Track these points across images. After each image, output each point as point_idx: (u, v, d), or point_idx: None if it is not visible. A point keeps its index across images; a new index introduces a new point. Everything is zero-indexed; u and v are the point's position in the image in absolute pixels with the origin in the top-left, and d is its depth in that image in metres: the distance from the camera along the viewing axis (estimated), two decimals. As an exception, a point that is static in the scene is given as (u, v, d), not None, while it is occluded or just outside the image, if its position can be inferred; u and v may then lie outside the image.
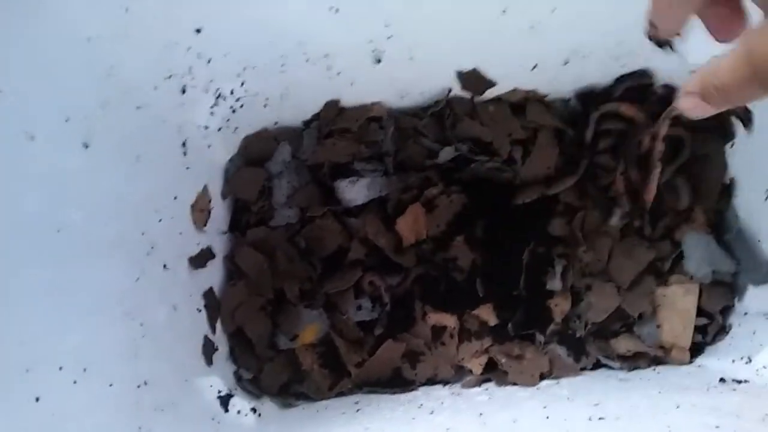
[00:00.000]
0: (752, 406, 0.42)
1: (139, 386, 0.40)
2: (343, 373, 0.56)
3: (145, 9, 0.39)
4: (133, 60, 0.40)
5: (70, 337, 0.34)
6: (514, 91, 0.58)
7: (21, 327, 0.31)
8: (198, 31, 0.44)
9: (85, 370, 0.35)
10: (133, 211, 0.42)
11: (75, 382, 0.34)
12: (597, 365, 0.57)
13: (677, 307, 0.56)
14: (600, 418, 0.42)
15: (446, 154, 0.58)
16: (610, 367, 0.56)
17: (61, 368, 0.33)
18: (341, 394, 0.55)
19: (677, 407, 0.43)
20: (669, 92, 0.57)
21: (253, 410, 0.48)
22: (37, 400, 0.31)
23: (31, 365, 0.31)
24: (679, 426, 0.39)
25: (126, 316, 0.40)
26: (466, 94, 0.58)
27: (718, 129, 0.56)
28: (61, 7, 0.35)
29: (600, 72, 0.56)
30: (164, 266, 0.46)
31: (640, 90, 0.57)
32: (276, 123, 0.59)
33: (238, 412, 0.48)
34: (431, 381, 0.57)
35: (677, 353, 0.56)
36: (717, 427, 0.39)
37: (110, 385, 0.37)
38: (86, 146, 0.37)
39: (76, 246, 0.35)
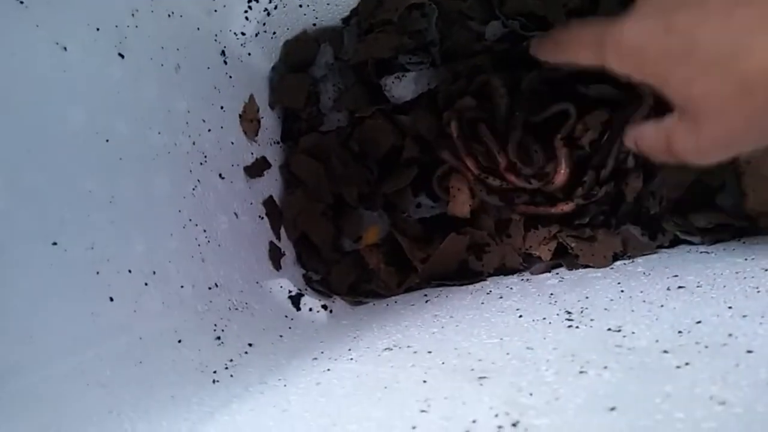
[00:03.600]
0: None
1: (210, 288, 0.41)
2: (409, 269, 0.56)
3: None
4: (157, -37, 0.39)
5: (134, 243, 0.35)
6: (567, -46, 0.53)
7: (85, 233, 0.32)
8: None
9: (154, 273, 0.36)
10: (181, 121, 0.42)
11: (146, 284, 0.35)
12: (675, 242, 0.54)
13: (763, 171, 0.52)
14: (679, 287, 0.40)
15: (493, 30, 0.54)
16: (691, 243, 0.53)
17: (130, 271, 0.34)
18: (410, 289, 0.56)
19: (765, 270, 0.40)
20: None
21: (324, 307, 0.49)
22: (112, 300, 0.32)
23: (100, 268, 0.32)
24: None
25: (188, 223, 0.41)
26: (513, -35, 0.53)
27: None
28: None
29: None
30: (220, 175, 0.47)
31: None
32: (314, 24, 0.57)
33: (310, 309, 0.49)
34: (499, 271, 0.56)
35: (765, 220, 0.52)
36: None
37: (181, 287, 0.38)
38: (122, 56, 0.37)
39: (127, 156, 0.36)
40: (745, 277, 0.39)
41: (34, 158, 0.29)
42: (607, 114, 0.53)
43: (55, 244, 0.30)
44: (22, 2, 0.30)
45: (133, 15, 0.38)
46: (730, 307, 0.34)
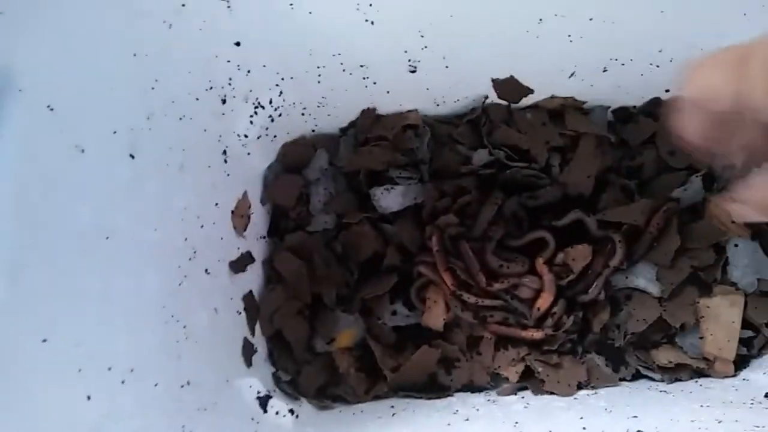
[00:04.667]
0: (798, 423, 0.41)
1: (182, 386, 0.41)
2: (379, 377, 0.57)
3: (186, 24, 0.41)
4: (175, 73, 0.42)
5: (118, 340, 0.36)
6: (552, 98, 0.57)
7: (74, 330, 0.33)
8: (237, 44, 0.46)
9: (132, 370, 0.36)
10: (177, 218, 0.44)
11: (123, 382, 0.35)
12: (637, 376, 0.56)
13: (721, 318, 0.55)
14: (638, 431, 0.42)
15: (480, 156, 0.58)
16: (651, 378, 0.55)
17: (110, 368, 0.35)
18: (377, 397, 0.56)
19: (719, 422, 0.42)
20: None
21: (291, 411, 0.50)
22: (89, 398, 0.33)
23: (83, 365, 0.32)
24: (719, 441, 0.38)
25: (170, 318, 0.42)
26: (503, 102, 0.58)
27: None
28: (108, 24, 0.37)
29: (640, 80, 0.55)
30: (206, 271, 0.48)
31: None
32: (313, 130, 0.60)
33: (277, 413, 0.49)
34: (467, 387, 0.57)
35: (721, 366, 0.54)
36: (759, 443, 0.38)
37: (156, 385, 0.38)
38: (132, 157, 0.39)
39: (123, 252, 0.37)
40: (699, 428, 0.41)
41: (39, 254, 0.30)
42: (590, 251, 0.56)
43: (44, 341, 0.30)
44: (51, 109, 0.32)
45: (148, 118, 0.41)
46: (684, 462, 0.35)
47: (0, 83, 0.28)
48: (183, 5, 0.41)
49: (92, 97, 0.35)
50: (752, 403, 0.46)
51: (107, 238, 0.36)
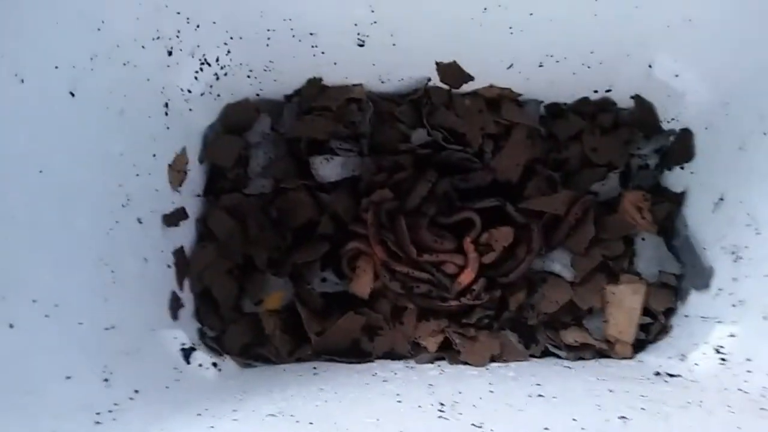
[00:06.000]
0: (678, 396, 0.46)
1: (106, 329, 0.42)
2: (303, 340, 0.58)
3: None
4: (123, 17, 0.42)
5: (44, 274, 0.36)
6: (490, 87, 0.60)
7: (1, 259, 0.32)
8: (190, -5, 0.46)
9: (56, 305, 0.36)
10: (113, 163, 0.44)
11: (47, 316, 0.36)
12: (545, 353, 0.60)
13: (624, 305, 0.59)
14: (539, 395, 0.45)
15: (419, 135, 0.60)
16: (557, 356, 0.59)
17: (34, 301, 0.35)
18: (300, 359, 0.57)
19: (610, 391, 0.47)
20: (637, 105, 0.61)
21: (214, 365, 0.50)
22: (11, 326, 0.33)
23: (7, 293, 0.32)
24: (608, 406, 0.42)
25: (99, 261, 0.42)
26: (444, 86, 0.60)
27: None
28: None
29: (572, 79, 0.58)
30: (138, 220, 0.48)
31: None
32: (258, 94, 0.61)
33: (200, 365, 0.50)
34: (388, 355, 0.59)
35: (620, 348, 0.59)
36: (642, 409, 0.42)
37: (80, 324, 0.39)
38: (72, 94, 0.38)
39: (55, 187, 0.37)
40: (592, 395, 0.45)
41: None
42: (512, 234, 0.60)
43: (-34, 264, 0.30)
44: (-8, 32, 0.32)
45: (91, 59, 0.40)
46: (574, 419, 0.39)
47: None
48: (136, -52, 0.41)
49: (35, 28, 0.35)
50: (642, 379, 0.50)
51: (40, 171, 0.36)
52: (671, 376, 0.51)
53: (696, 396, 0.46)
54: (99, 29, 0.41)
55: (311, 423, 0.37)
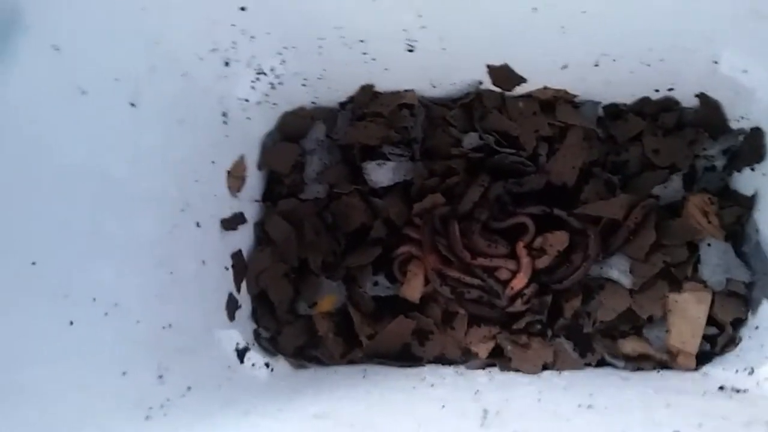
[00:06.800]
0: (741, 412, 0.43)
1: (164, 327, 0.44)
2: (355, 342, 0.59)
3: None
4: (180, 31, 0.44)
5: (105, 274, 0.38)
6: (545, 89, 0.59)
7: (63, 257, 0.35)
8: (242, 9, 0.48)
9: (116, 304, 0.39)
10: (173, 170, 0.46)
11: (106, 314, 0.38)
12: (601, 363, 0.58)
13: (688, 314, 0.57)
14: (589, 406, 0.44)
15: (470, 139, 0.60)
16: (615, 366, 0.57)
17: (94, 299, 0.37)
18: (352, 362, 0.58)
19: (667, 406, 0.45)
20: (702, 103, 0.58)
21: (267, 365, 0.52)
22: (71, 323, 0.35)
23: (69, 292, 0.35)
24: (663, 421, 0.41)
25: (158, 263, 0.44)
26: (496, 89, 0.60)
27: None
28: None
29: (630, 78, 0.56)
30: (197, 224, 0.50)
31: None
32: (313, 102, 0.62)
33: (253, 365, 0.52)
34: (438, 360, 0.59)
35: (683, 359, 0.56)
36: (699, 425, 0.40)
37: (138, 322, 0.41)
38: (133, 105, 0.41)
39: (116, 194, 0.40)
40: (647, 408, 0.43)
41: (31, 183, 0.33)
42: (567, 238, 0.58)
43: (34, 264, 0.33)
44: (57, 49, 0.34)
45: (150, 71, 0.43)
46: (623, 432, 0.38)
47: (7, 18, 0.30)
48: (191, -34, 0.43)
49: (98, 42, 0.38)
50: (704, 393, 0.48)
51: (102, 178, 0.38)
52: (737, 391, 0.48)
53: (763, 413, 0.43)
54: (157, 43, 0.43)
55: (352, 425, 0.38)
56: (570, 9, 0.48)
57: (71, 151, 0.35)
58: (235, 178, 0.57)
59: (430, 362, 0.59)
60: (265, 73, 0.55)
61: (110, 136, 0.39)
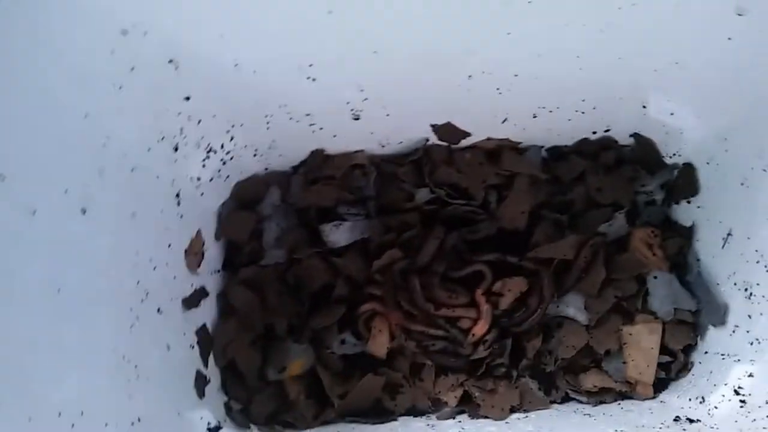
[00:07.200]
0: (696, 446, 0.45)
1: (132, 423, 0.44)
2: (327, 403, 0.60)
3: (137, 84, 0.44)
4: (127, 129, 0.45)
5: (68, 385, 0.38)
6: (488, 139, 0.62)
7: (25, 380, 0.35)
8: (187, 98, 0.49)
9: (82, 413, 0.39)
10: (129, 264, 0.47)
11: (73, 426, 0.38)
12: (566, 399, 0.60)
13: (642, 345, 0.59)
14: (555, 454, 0.46)
15: (422, 194, 0.62)
16: (578, 401, 0.60)
17: (60, 414, 0.37)
18: (325, 423, 0.59)
19: (631, 445, 0.47)
20: (637, 142, 0.61)
21: (240, 441, 0.53)
22: (38, 445, 0.35)
23: (33, 414, 0.35)
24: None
25: (121, 360, 0.44)
26: (443, 143, 0.62)
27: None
28: (57, 86, 0.39)
29: (568, 124, 0.59)
30: (158, 310, 0.50)
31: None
32: (266, 169, 0.63)
33: (226, 443, 0.52)
34: (410, 412, 0.60)
35: (642, 388, 0.59)
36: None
37: (106, 425, 0.41)
38: (84, 212, 0.41)
39: (74, 303, 0.40)
40: (610, 451, 0.45)
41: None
42: (525, 283, 0.61)
43: (-5, 394, 0.33)
44: (3, 177, 0.35)
45: (100, 174, 0.43)
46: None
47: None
48: (132, 68, 0.44)
49: (44, 160, 0.38)
50: (662, 427, 0.50)
51: (59, 291, 0.39)
52: (691, 421, 0.51)
53: (715, 445, 0.45)
54: (104, 145, 0.44)
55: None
56: (503, 74, 0.51)
57: (27, 271, 0.36)
58: (194, 255, 0.57)
59: (401, 414, 0.60)
60: (215, 151, 0.56)
61: (63, 248, 0.39)
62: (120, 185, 0.46)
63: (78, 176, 0.41)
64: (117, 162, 0.45)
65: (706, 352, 0.57)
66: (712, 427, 0.49)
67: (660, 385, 0.59)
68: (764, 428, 0.46)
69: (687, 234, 0.60)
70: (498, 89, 0.53)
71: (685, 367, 0.59)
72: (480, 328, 0.60)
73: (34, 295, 0.37)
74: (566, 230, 0.63)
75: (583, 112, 0.58)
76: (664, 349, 0.59)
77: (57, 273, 0.38)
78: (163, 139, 0.50)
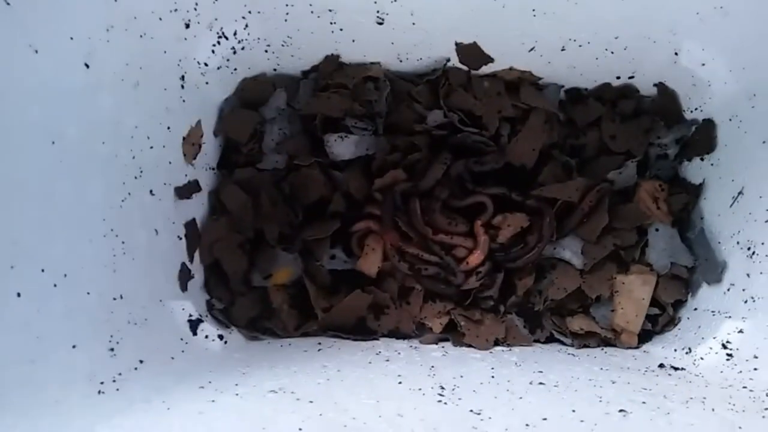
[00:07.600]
0: (680, 390, 0.45)
1: (114, 299, 0.42)
2: (310, 315, 0.59)
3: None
4: (140, -12, 0.42)
5: (54, 244, 0.37)
6: (510, 70, 0.59)
7: (10, 227, 0.33)
8: (207, -32, 0.45)
9: (65, 275, 0.37)
10: (127, 135, 0.44)
11: (55, 285, 0.36)
12: (550, 339, 0.60)
13: (633, 295, 0.59)
14: (540, 383, 0.46)
15: (435, 116, 0.60)
16: (562, 342, 0.59)
17: (43, 270, 0.35)
18: (306, 334, 0.58)
19: (612, 383, 0.47)
20: (660, 93, 0.59)
21: (220, 337, 0.51)
22: (19, 295, 0.33)
23: (16, 263, 0.33)
24: (609, 398, 0.42)
25: (110, 232, 0.42)
26: (463, 67, 0.59)
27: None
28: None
29: (594, 64, 0.57)
30: (150, 192, 0.48)
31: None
32: (275, 69, 0.60)
33: (206, 336, 0.51)
34: (393, 333, 0.60)
35: (626, 337, 0.59)
36: (643, 402, 0.42)
37: (88, 293, 0.39)
38: (87, 66, 0.39)
39: (68, 159, 0.37)
40: (594, 386, 0.45)
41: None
42: (526, 219, 0.59)
43: (-22, 233, 0.31)
44: (8, 3, 0.32)
45: (107, 30, 0.40)
46: (573, 410, 0.39)
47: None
48: None
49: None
50: (646, 371, 0.50)
51: (53, 142, 0.36)
52: (675, 369, 0.51)
53: (699, 392, 0.45)
54: (116, 0, 0.41)
55: (311, 401, 0.38)
56: (543, -8, 0.48)
57: (22, 110, 0.33)
58: (191, 144, 0.55)
59: (384, 336, 0.59)
60: (226, 38, 0.53)
61: (63, 97, 0.37)
62: (126, 49, 0.43)
63: (84, 26, 0.38)
64: (126, 23, 0.42)
65: (695, 309, 0.57)
66: (697, 375, 0.49)
67: (644, 337, 0.59)
68: (751, 379, 0.46)
69: (695, 191, 0.60)
70: (533, 10, 0.50)
71: (672, 322, 0.59)
72: (475, 258, 0.59)
73: (28, 139, 0.34)
74: (574, 174, 0.61)
75: (612, 52, 0.56)
76: (654, 302, 0.59)
77: (54, 121, 0.36)
78: (176, 11, 0.47)
